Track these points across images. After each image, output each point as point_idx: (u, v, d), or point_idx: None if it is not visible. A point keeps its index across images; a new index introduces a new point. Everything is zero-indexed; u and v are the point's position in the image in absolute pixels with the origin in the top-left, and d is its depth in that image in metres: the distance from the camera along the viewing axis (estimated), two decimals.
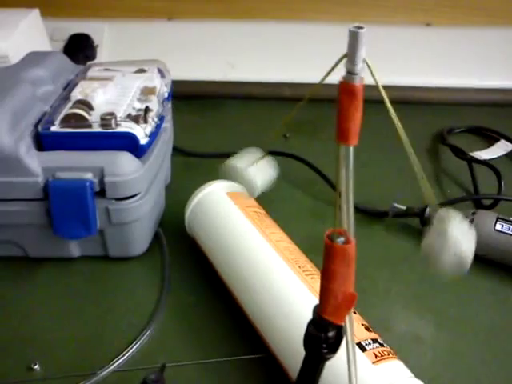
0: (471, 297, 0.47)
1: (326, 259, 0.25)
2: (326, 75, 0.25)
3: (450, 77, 0.83)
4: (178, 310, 0.46)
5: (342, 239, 0.25)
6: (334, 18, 0.87)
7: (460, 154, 0.66)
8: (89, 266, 0.50)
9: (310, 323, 0.27)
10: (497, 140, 0.71)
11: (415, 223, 0.55)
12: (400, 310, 0.46)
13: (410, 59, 0.84)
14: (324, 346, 0.26)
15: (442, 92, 0.81)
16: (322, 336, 0.26)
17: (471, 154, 0.66)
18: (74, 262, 0.50)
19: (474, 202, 0.58)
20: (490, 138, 0.72)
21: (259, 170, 0.35)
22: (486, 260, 0.50)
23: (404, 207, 0.54)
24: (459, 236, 0.28)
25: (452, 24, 0.86)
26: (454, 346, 0.42)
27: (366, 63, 0.22)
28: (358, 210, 0.57)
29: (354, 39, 0.21)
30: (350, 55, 0.22)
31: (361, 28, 0.21)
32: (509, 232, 0.49)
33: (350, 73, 0.22)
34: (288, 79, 0.83)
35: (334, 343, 0.26)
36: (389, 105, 0.24)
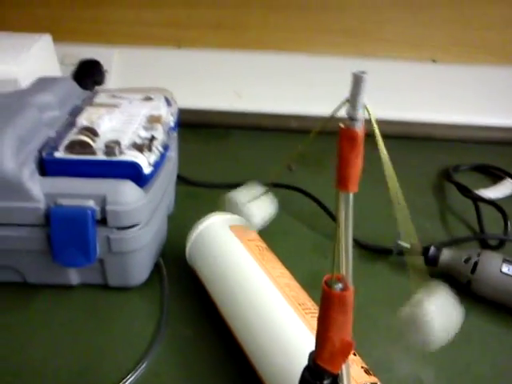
0: (476, 341, 0.46)
1: (322, 305, 0.24)
2: (327, 120, 0.24)
3: (456, 113, 0.83)
4: (175, 343, 0.45)
5: (340, 285, 0.24)
6: (342, 51, 0.88)
7: (465, 192, 0.65)
8: (87, 295, 0.49)
9: (306, 369, 0.26)
10: (502, 178, 0.70)
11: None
12: (402, 352, 0.45)
13: (415, 95, 0.84)
14: None
15: (448, 128, 0.81)
16: None
17: (477, 192, 0.66)
18: (73, 290, 0.50)
19: (479, 242, 0.58)
20: (495, 176, 0.71)
21: (259, 206, 0.35)
22: (492, 302, 0.49)
23: (408, 245, 0.53)
24: (435, 315, 0.27)
25: (458, 61, 0.87)
26: None
27: (367, 110, 0.22)
28: (361, 246, 0.57)
29: (357, 84, 0.21)
30: (352, 100, 0.21)
31: (364, 73, 0.21)
32: None
33: (351, 118, 0.22)
34: (295, 111, 0.83)
35: None
36: (382, 148, 0.23)
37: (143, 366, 0.42)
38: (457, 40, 0.86)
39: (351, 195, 0.23)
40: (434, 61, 0.87)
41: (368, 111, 0.22)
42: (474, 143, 0.80)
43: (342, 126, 0.22)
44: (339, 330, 0.24)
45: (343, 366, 0.26)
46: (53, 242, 0.45)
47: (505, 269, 0.49)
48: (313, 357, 0.26)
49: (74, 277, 0.49)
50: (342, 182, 0.22)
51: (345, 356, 0.25)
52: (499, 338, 0.47)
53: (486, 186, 0.68)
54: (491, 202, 0.62)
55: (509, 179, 0.69)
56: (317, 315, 0.39)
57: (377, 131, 0.22)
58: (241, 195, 0.39)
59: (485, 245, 0.57)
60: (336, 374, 0.26)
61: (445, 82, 0.85)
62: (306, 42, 0.89)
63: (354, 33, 0.87)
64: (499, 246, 0.56)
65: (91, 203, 0.44)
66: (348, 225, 0.23)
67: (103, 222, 0.45)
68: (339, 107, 0.22)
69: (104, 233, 0.45)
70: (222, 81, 0.87)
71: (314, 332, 0.37)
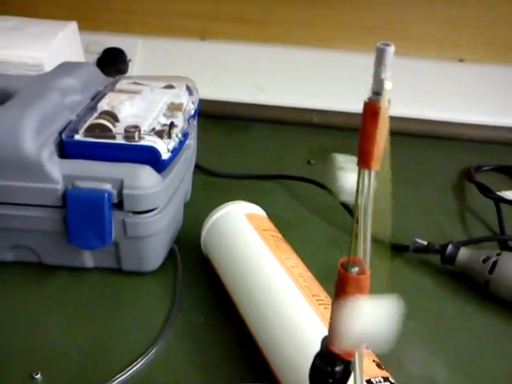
0: (491, 341, 0.45)
1: (338, 288, 0.24)
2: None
3: (481, 114, 0.81)
4: (186, 329, 0.45)
5: (356, 269, 0.24)
6: (366, 48, 0.87)
7: (487, 192, 0.64)
8: (101, 278, 0.50)
9: (317, 355, 0.25)
10: None
11: (435, 260, 0.53)
12: (415, 349, 0.44)
13: (441, 94, 0.83)
14: (330, 380, 0.25)
15: (472, 129, 0.80)
16: (329, 370, 0.25)
17: (498, 193, 0.65)
18: (88, 273, 0.50)
19: (498, 243, 0.57)
20: None
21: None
22: (509, 304, 0.48)
23: (425, 243, 0.53)
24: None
25: (485, 61, 0.85)
26: None
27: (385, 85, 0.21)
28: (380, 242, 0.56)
29: (380, 56, 0.21)
30: (376, 74, 0.21)
31: (389, 45, 0.20)
32: None
33: (375, 92, 0.21)
34: (316, 106, 0.83)
35: (341, 379, 0.25)
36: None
37: (154, 350, 0.42)
38: (484, 39, 0.85)
39: (373, 173, 0.22)
40: (461, 60, 0.86)
41: (384, 87, 0.21)
42: (499, 144, 0.79)
43: (366, 100, 0.21)
44: None
45: (356, 353, 0.25)
46: (69, 224, 0.45)
47: None
48: (326, 342, 0.25)
49: (88, 260, 0.49)
50: (363, 159, 0.22)
51: None
52: None
53: (508, 188, 0.67)
54: None
55: None
56: (330, 307, 0.38)
57: (387, 110, 0.21)
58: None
59: (504, 246, 0.56)
60: (349, 360, 0.25)
61: (471, 82, 0.83)
62: (330, 39, 0.88)
63: (378, 30, 0.86)
64: None
65: (108, 186, 0.45)
66: (368, 206, 0.23)
67: (120, 205, 0.45)
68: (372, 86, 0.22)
69: (120, 216, 0.46)
70: (244, 74, 0.87)
71: (327, 323, 0.36)
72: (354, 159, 0.24)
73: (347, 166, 0.25)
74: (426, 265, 0.53)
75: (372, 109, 0.21)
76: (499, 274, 0.48)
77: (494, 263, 0.48)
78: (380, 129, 0.21)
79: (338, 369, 0.25)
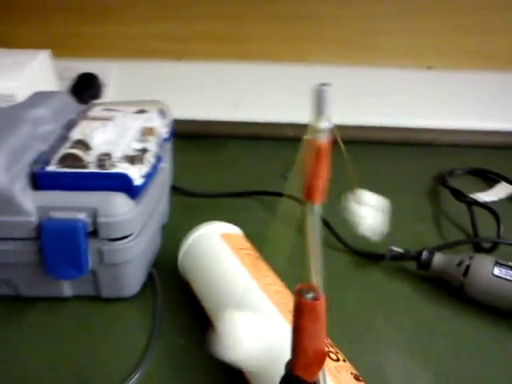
0: (469, 343, 0.46)
1: (295, 316, 0.24)
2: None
3: (452, 119, 0.83)
4: (167, 353, 0.45)
5: (311, 295, 0.24)
6: (338, 60, 0.89)
7: (460, 196, 0.65)
8: (81, 307, 0.50)
9: (283, 379, 0.26)
10: (497, 182, 0.70)
11: (411, 266, 0.54)
12: (395, 357, 0.45)
13: (412, 101, 0.84)
14: None
15: (444, 134, 0.81)
16: None
17: (472, 195, 0.66)
18: (67, 302, 0.50)
19: (473, 245, 0.58)
20: (490, 180, 0.71)
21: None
22: (485, 305, 0.49)
23: (401, 250, 0.53)
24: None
25: (453, 67, 0.87)
26: None
27: (330, 122, 0.22)
28: (355, 252, 0.57)
29: (318, 97, 0.22)
30: (316, 112, 0.22)
31: (325, 85, 0.21)
32: (507, 277, 0.48)
33: (315, 130, 0.22)
34: (292, 120, 0.84)
35: None
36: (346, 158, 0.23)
37: (136, 376, 0.42)
38: (451, 46, 0.87)
39: (317, 207, 0.23)
40: (429, 68, 0.88)
41: (331, 125, 0.22)
42: (470, 148, 0.80)
43: (306, 137, 0.22)
44: (312, 339, 0.24)
45: (320, 375, 0.26)
46: (45, 255, 0.45)
47: (496, 271, 0.49)
48: (289, 366, 0.26)
49: (67, 289, 0.50)
50: (307, 194, 0.23)
51: (319, 365, 0.25)
52: (493, 340, 0.46)
53: (481, 190, 0.68)
54: (484, 206, 0.62)
55: (503, 183, 0.69)
56: None
57: (340, 142, 0.22)
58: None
59: (479, 248, 0.57)
60: (312, 383, 0.26)
61: (441, 88, 0.85)
62: (303, 52, 0.89)
63: (350, 42, 0.88)
64: (492, 248, 0.56)
65: (83, 216, 0.45)
66: (316, 235, 0.24)
67: (95, 233, 0.46)
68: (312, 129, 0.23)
69: (96, 245, 0.46)
70: (220, 92, 0.88)
71: None
72: (373, 196, 0.25)
73: (366, 200, 0.26)
74: (403, 272, 0.54)
75: (313, 146, 0.22)
76: (472, 277, 0.49)
77: (468, 266, 0.49)
78: (323, 165, 0.22)
79: None
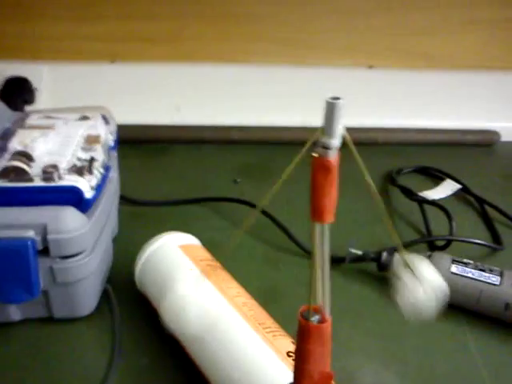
0: (432, 343, 0.47)
1: (299, 338, 0.23)
2: (297, 160, 0.23)
3: (394, 117, 0.84)
4: (130, 373, 0.42)
5: (317, 317, 0.23)
6: (280, 60, 0.88)
7: (410, 194, 0.66)
8: (31, 330, 0.46)
9: None
10: (443, 179, 0.72)
11: (371, 268, 0.54)
12: (364, 361, 0.44)
13: (354, 100, 0.85)
14: None
15: (387, 132, 0.82)
16: None
17: (420, 193, 0.67)
18: (14, 327, 0.46)
19: (427, 244, 0.59)
20: (436, 177, 0.73)
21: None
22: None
23: (361, 252, 0.53)
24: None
25: (393, 66, 0.89)
26: None
27: (344, 137, 0.21)
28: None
29: (330, 111, 0.20)
30: (327, 128, 0.20)
31: (338, 99, 0.20)
32: (464, 274, 0.49)
33: (326, 147, 0.20)
34: (235, 122, 0.83)
35: None
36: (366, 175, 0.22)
37: None
38: (391, 46, 0.88)
39: (327, 226, 0.22)
40: (370, 67, 0.89)
41: (347, 139, 0.21)
42: (413, 146, 0.82)
43: (315, 155, 0.21)
44: (318, 362, 0.23)
45: None
46: None
47: (454, 269, 0.50)
48: None
49: (14, 313, 0.46)
50: (317, 213, 0.21)
51: None
52: (453, 336, 0.47)
53: (428, 188, 0.70)
54: (436, 204, 0.63)
55: (449, 180, 0.71)
56: (278, 334, 0.38)
57: (358, 158, 0.21)
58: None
59: (432, 246, 0.58)
60: None
61: (382, 87, 0.86)
62: (243, 53, 0.88)
63: (290, 41, 0.88)
64: (446, 246, 0.57)
65: (31, 233, 0.41)
66: (325, 255, 0.22)
67: (45, 252, 0.42)
68: (314, 138, 0.21)
69: (47, 263, 0.43)
70: (159, 95, 0.85)
71: (278, 353, 0.36)
72: (426, 266, 0.22)
73: (417, 270, 0.23)
74: (364, 274, 0.54)
75: (323, 164, 0.20)
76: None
77: None
78: (332, 183, 0.20)
79: None
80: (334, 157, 0.21)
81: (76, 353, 0.44)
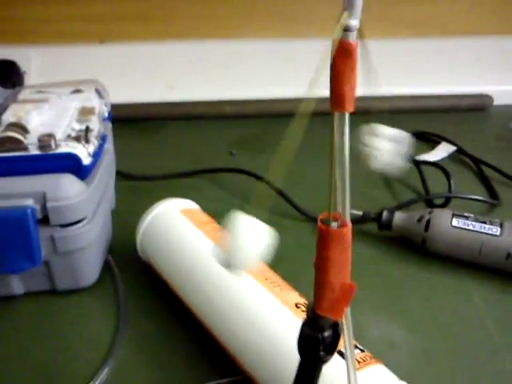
0: (436, 295, 0.47)
1: (319, 247, 0.23)
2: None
3: (388, 86, 0.84)
4: (138, 340, 0.42)
5: (336, 223, 0.23)
6: (273, 34, 0.88)
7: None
8: (35, 303, 0.46)
9: (305, 324, 0.24)
10: (438, 143, 0.72)
11: (372, 228, 0.54)
12: (370, 316, 0.44)
13: None
14: (321, 347, 0.24)
15: (382, 101, 0.82)
16: (320, 336, 0.24)
17: (417, 157, 0.67)
18: (18, 300, 0.46)
19: (426, 203, 0.59)
20: (432, 141, 0.73)
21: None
22: (446, 257, 0.50)
23: (360, 212, 0.53)
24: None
25: (381, 36, 0.88)
26: (427, 347, 0.41)
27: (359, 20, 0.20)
28: (313, 219, 0.56)
29: None
30: (349, 8, 0.20)
31: None
32: (465, 227, 0.49)
33: (347, 29, 0.20)
34: (229, 97, 0.82)
35: (331, 344, 0.24)
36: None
37: (106, 370, 0.39)
38: (379, 16, 0.88)
39: (347, 116, 0.21)
40: (360, 38, 0.88)
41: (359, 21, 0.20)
42: (409, 113, 0.82)
43: (335, 38, 0.20)
44: (339, 272, 0.23)
45: (344, 313, 0.24)
46: None
47: (455, 222, 0.50)
48: (311, 307, 0.24)
49: (17, 286, 0.45)
50: (336, 101, 0.21)
51: (347, 300, 0.23)
52: (457, 289, 0.47)
53: (424, 152, 0.70)
54: (434, 164, 0.63)
55: (444, 143, 0.71)
56: (285, 288, 0.38)
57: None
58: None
59: (431, 205, 0.58)
60: (337, 322, 0.24)
61: (374, 57, 0.86)
62: (236, 28, 0.88)
63: (281, 15, 0.87)
64: (445, 204, 0.57)
65: (30, 202, 0.41)
66: (344, 152, 0.22)
67: (45, 220, 0.42)
68: (340, 25, 0.20)
69: (47, 232, 0.42)
70: (152, 73, 0.84)
71: (287, 305, 0.36)
72: (391, 129, 0.23)
73: (383, 133, 0.24)
74: (364, 234, 0.54)
75: (344, 47, 0.20)
76: (434, 230, 0.50)
77: (428, 221, 0.50)
78: (353, 67, 0.20)
79: (327, 334, 0.24)
80: (354, 40, 0.20)
81: (81, 324, 0.44)
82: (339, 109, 0.21)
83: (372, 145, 0.22)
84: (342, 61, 0.20)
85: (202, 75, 0.84)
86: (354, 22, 0.20)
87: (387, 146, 0.22)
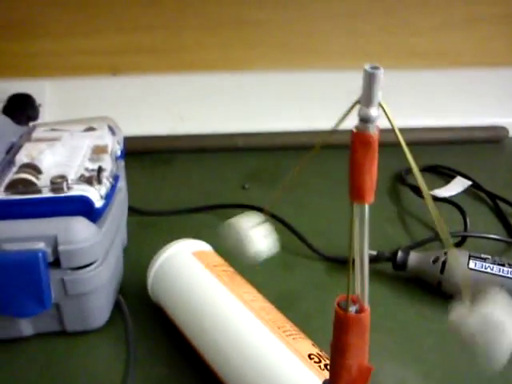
0: (454, 340, 0.45)
1: (336, 330, 0.22)
2: (339, 123, 0.22)
3: (400, 118, 0.83)
4: None
5: (355, 307, 0.22)
6: (281, 65, 0.88)
7: (420, 193, 0.66)
8: (44, 345, 0.45)
9: None
10: (453, 177, 0.71)
11: (387, 268, 0.53)
12: (384, 361, 0.43)
13: None
14: None
15: (392, 133, 0.82)
16: None
17: (431, 192, 0.66)
18: (27, 342, 0.45)
19: (440, 242, 0.58)
20: (445, 175, 0.72)
21: (261, 233, 0.31)
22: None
23: (375, 252, 0.53)
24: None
25: (391, 67, 0.88)
26: None
27: (383, 108, 0.20)
28: (327, 258, 0.55)
29: (368, 81, 0.19)
30: (366, 99, 0.19)
31: (376, 68, 0.19)
32: (482, 269, 0.48)
33: (365, 121, 0.20)
34: (240, 129, 0.82)
35: None
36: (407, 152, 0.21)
37: None
38: (390, 47, 0.88)
39: (367, 206, 0.21)
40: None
41: (384, 110, 0.19)
42: (422, 145, 0.81)
43: (354, 130, 0.20)
44: (356, 355, 0.22)
45: None
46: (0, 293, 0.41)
47: (472, 265, 0.49)
48: None
49: (26, 327, 0.45)
50: (356, 193, 0.20)
51: (364, 382, 0.23)
52: None
53: (438, 186, 0.69)
54: (448, 200, 0.62)
55: (459, 177, 0.70)
56: (298, 337, 0.37)
57: (397, 132, 0.20)
58: (242, 222, 0.34)
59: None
60: None
61: (385, 88, 0.85)
62: (245, 60, 0.88)
63: (290, 46, 0.87)
64: (461, 243, 0.56)
65: (41, 245, 0.41)
66: (363, 240, 0.21)
67: (56, 263, 0.42)
68: (349, 110, 0.20)
69: (58, 275, 0.42)
70: (162, 105, 0.85)
71: (299, 355, 0.35)
72: (254, 216, 0.24)
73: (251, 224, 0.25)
74: (379, 274, 0.53)
75: (363, 139, 0.20)
76: (450, 273, 0.49)
77: (444, 263, 0.49)
78: (373, 159, 0.20)
79: None
80: (374, 130, 0.20)
81: (91, 366, 0.43)
82: (359, 200, 0.20)
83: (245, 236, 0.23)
84: (361, 153, 0.20)
85: (213, 107, 0.84)
86: (374, 112, 0.19)
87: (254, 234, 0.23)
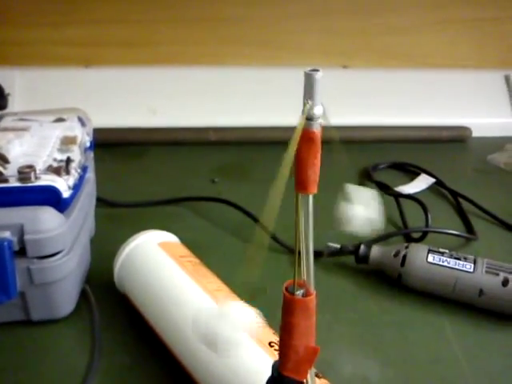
0: (413, 330, 0.47)
1: (284, 313, 0.23)
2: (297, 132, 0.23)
3: (369, 116, 0.86)
4: (112, 373, 0.42)
5: (301, 291, 0.23)
6: (256, 62, 0.89)
7: (386, 189, 0.67)
8: (9, 333, 0.45)
9: (269, 382, 0.25)
10: (417, 174, 0.73)
11: (350, 261, 0.54)
12: (345, 351, 0.45)
13: (329, 100, 0.86)
14: None
15: (363, 131, 0.84)
16: None
17: (396, 188, 0.68)
18: None
19: (404, 236, 0.60)
20: (411, 172, 0.74)
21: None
22: (421, 293, 0.51)
23: (338, 246, 0.54)
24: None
25: (367, 66, 0.90)
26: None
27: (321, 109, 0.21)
28: (291, 251, 0.57)
29: (309, 82, 0.21)
30: (307, 99, 0.21)
31: (315, 71, 0.21)
32: (440, 263, 0.50)
33: (310, 118, 0.21)
34: (212, 123, 0.83)
35: None
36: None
37: None
38: (364, 46, 0.89)
39: (311, 197, 0.22)
40: (345, 66, 0.90)
41: (324, 110, 0.21)
42: (389, 143, 0.83)
43: (298, 126, 0.21)
44: (303, 336, 0.23)
45: (309, 373, 0.25)
46: None
47: (430, 258, 0.50)
48: (277, 367, 0.24)
49: None
50: (301, 184, 0.22)
51: (310, 362, 0.24)
52: (431, 325, 0.48)
53: (403, 183, 0.71)
54: (411, 197, 0.64)
55: (424, 175, 0.72)
56: (260, 325, 0.38)
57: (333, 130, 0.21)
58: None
59: (409, 239, 0.59)
60: (301, 381, 0.25)
61: (357, 87, 0.87)
62: (220, 55, 0.89)
63: (264, 43, 0.88)
64: (422, 238, 0.58)
65: (7, 234, 0.41)
66: (308, 229, 0.23)
67: (22, 252, 0.42)
68: (304, 112, 0.22)
69: (23, 264, 0.42)
70: (135, 98, 0.85)
71: (259, 342, 0.36)
72: (363, 190, 0.24)
73: (355, 196, 0.25)
74: (342, 267, 0.55)
75: (306, 135, 0.21)
76: (409, 266, 0.51)
77: (404, 256, 0.51)
78: (316, 154, 0.21)
79: None
80: (317, 128, 0.21)
81: (56, 355, 0.44)
82: (303, 191, 0.22)
83: (346, 211, 0.24)
84: (305, 149, 0.21)
85: (185, 101, 0.85)
86: (317, 111, 0.21)
87: (360, 211, 0.23)
